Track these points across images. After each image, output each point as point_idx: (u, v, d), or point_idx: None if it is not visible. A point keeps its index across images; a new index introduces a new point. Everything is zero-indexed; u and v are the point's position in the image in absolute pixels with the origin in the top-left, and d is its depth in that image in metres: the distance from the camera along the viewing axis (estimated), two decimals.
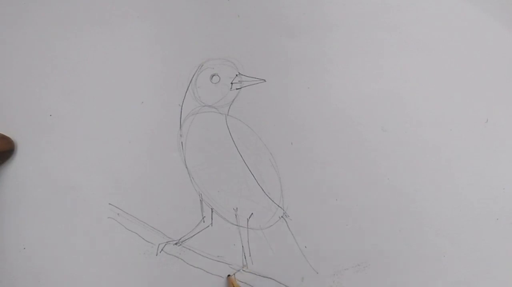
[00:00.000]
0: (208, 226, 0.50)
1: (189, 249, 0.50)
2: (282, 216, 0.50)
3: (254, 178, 0.50)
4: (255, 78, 0.51)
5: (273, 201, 0.50)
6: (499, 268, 0.50)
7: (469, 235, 0.50)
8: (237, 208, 0.50)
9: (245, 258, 0.50)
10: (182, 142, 0.50)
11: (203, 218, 0.50)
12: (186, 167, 0.50)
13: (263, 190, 0.50)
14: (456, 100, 0.51)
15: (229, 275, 0.49)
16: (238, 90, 0.51)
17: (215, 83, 0.51)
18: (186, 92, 0.51)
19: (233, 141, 0.50)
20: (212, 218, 0.50)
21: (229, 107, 0.50)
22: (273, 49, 0.51)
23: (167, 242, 0.50)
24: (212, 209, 0.50)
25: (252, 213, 0.50)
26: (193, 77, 0.51)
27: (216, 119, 0.50)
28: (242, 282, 0.50)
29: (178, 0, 0.51)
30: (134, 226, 0.50)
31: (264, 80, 0.51)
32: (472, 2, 0.51)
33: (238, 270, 0.50)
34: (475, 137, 0.51)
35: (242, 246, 0.50)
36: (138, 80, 0.51)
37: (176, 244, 0.50)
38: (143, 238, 0.50)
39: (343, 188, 0.50)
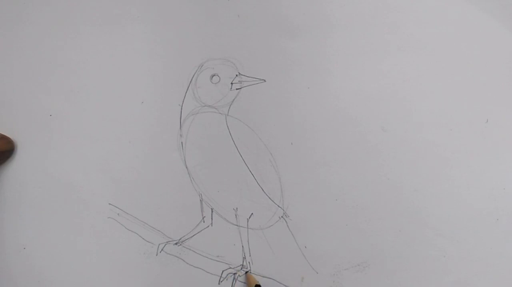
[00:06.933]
0: (208, 226, 0.50)
1: (189, 249, 0.50)
2: (282, 216, 0.50)
3: (254, 178, 0.50)
4: (255, 78, 0.51)
5: (273, 201, 0.50)
6: (499, 268, 0.50)
7: (469, 235, 0.50)
8: (237, 208, 0.50)
9: (245, 258, 0.50)
10: (182, 142, 0.50)
11: (203, 218, 0.50)
12: (186, 167, 0.50)
13: (263, 190, 0.50)
14: (456, 100, 0.51)
15: (247, 272, 0.49)
16: (238, 90, 0.51)
17: (215, 83, 0.51)
18: (186, 92, 0.51)
19: (233, 141, 0.50)
20: (212, 218, 0.50)
21: (229, 107, 0.50)
22: (273, 49, 0.51)
23: (167, 242, 0.50)
24: (212, 209, 0.50)
25: (252, 213, 0.50)
26: (193, 77, 0.51)
27: (216, 119, 0.50)
28: (242, 282, 0.50)
29: (178, 0, 0.51)
30: (134, 226, 0.50)
31: (264, 80, 0.51)
32: (472, 2, 0.51)
33: (240, 270, 0.50)
34: (475, 137, 0.51)
35: (242, 246, 0.50)
36: (138, 80, 0.51)
37: (176, 244, 0.50)
38: (143, 238, 0.50)
39: (343, 188, 0.50)
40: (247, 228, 0.50)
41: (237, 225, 0.50)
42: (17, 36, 0.51)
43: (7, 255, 0.50)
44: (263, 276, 0.50)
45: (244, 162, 0.50)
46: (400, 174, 0.50)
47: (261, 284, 0.48)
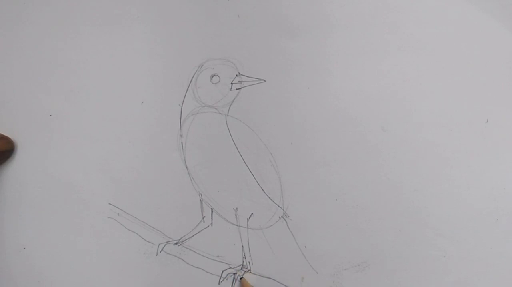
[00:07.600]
0: (208, 226, 0.50)
1: (189, 249, 0.50)
2: (282, 216, 0.50)
3: (254, 178, 0.50)
4: (255, 78, 0.51)
5: (273, 201, 0.50)
6: (499, 268, 0.50)
7: (469, 235, 0.50)
8: (237, 208, 0.50)
9: (245, 258, 0.50)
10: (182, 142, 0.50)
11: (203, 218, 0.50)
12: (186, 167, 0.50)
13: (263, 190, 0.50)
14: (456, 100, 0.51)
15: (241, 278, 0.49)
16: (238, 90, 0.51)
17: (215, 83, 0.51)
18: (186, 92, 0.51)
19: (233, 141, 0.50)
20: (212, 218, 0.50)
21: (229, 107, 0.50)
22: (273, 49, 0.51)
23: (167, 242, 0.50)
24: (212, 209, 0.50)
25: (252, 213, 0.50)
26: (193, 77, 0.51)
27: (216, 119, 0.50)
28: None
29: (178, 0, 0.51)
30: (134, 226, 0.50)
31: (264, 80, 0.51)
32: (472, 2, 0.51)
33: (240, 270, 0.50)
34: (475, 137, 0.51)
35: (242, 246, 0.50)
36: (138, 80, 0.51)
37: (176, 244, 0.50)
38: (143, 238, 0.50)
39: (343, 188, 0.50)
40: (247, 228, 0.50)
41: (237, 225, 0.50)
42: (17, 36, 0.51)
43: (7, 255, 0.50)
44: (263, 276, 0.50)
45: (244, 162, 0.50)
46: (400, 174, 0.50)
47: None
